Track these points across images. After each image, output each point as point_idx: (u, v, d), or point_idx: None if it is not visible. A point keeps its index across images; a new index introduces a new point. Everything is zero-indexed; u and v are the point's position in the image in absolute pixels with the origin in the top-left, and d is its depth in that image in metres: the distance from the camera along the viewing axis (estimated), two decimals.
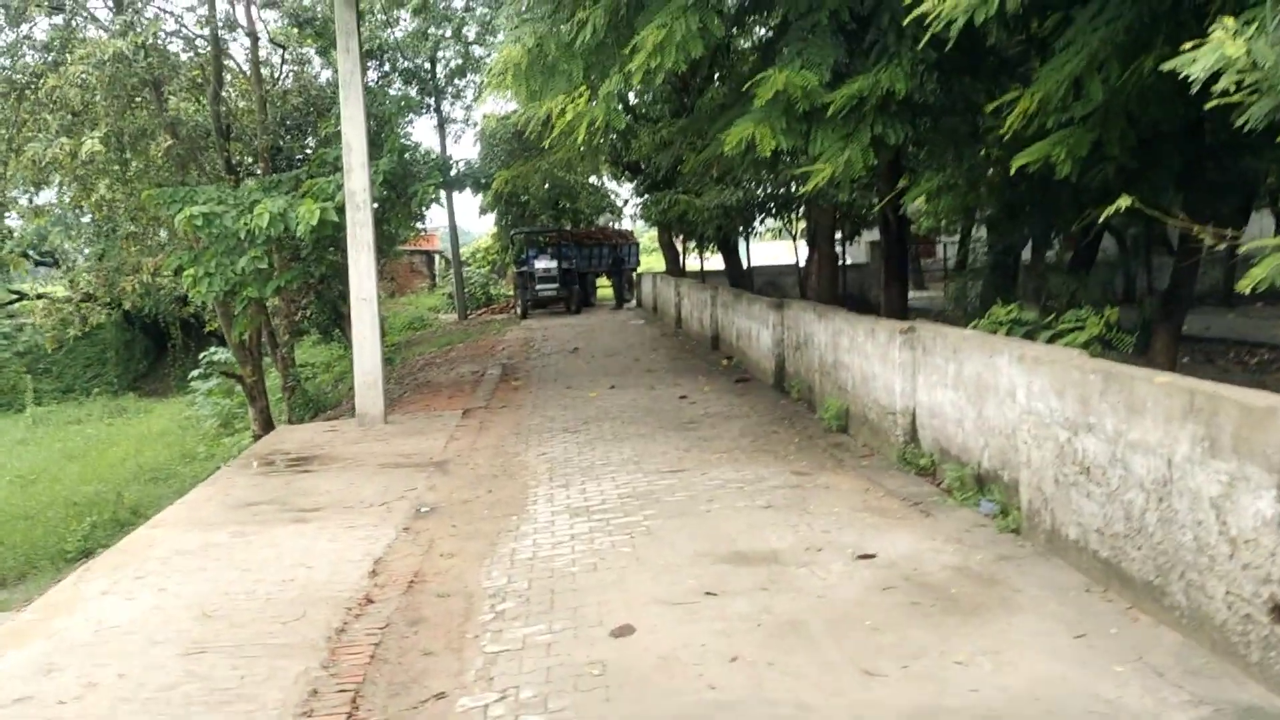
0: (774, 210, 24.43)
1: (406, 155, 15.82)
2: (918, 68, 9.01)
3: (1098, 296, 13.48)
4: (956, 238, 28.28)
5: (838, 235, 24.55)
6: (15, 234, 21.07)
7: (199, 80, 17.14)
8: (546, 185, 33.45)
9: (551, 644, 5.32)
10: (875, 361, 9.55)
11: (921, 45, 8.27)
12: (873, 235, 29.09)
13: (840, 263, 25.44)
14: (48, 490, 21.71)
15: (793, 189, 20.99)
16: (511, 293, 36.74)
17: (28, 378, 33.11)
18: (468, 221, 68.22)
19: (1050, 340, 8.20)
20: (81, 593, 6.38)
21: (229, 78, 17.90)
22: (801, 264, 28.76)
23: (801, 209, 23.96)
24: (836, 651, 5.01)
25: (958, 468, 7.80)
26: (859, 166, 8.77)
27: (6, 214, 17.83)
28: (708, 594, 5.87)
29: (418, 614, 5.91)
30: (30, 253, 29.32)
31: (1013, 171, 7.80)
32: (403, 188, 15.64)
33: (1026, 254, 17.99)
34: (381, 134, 15.78)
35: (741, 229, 25.95)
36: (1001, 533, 6.76)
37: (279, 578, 6.52)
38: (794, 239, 29.45)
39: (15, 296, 31.88)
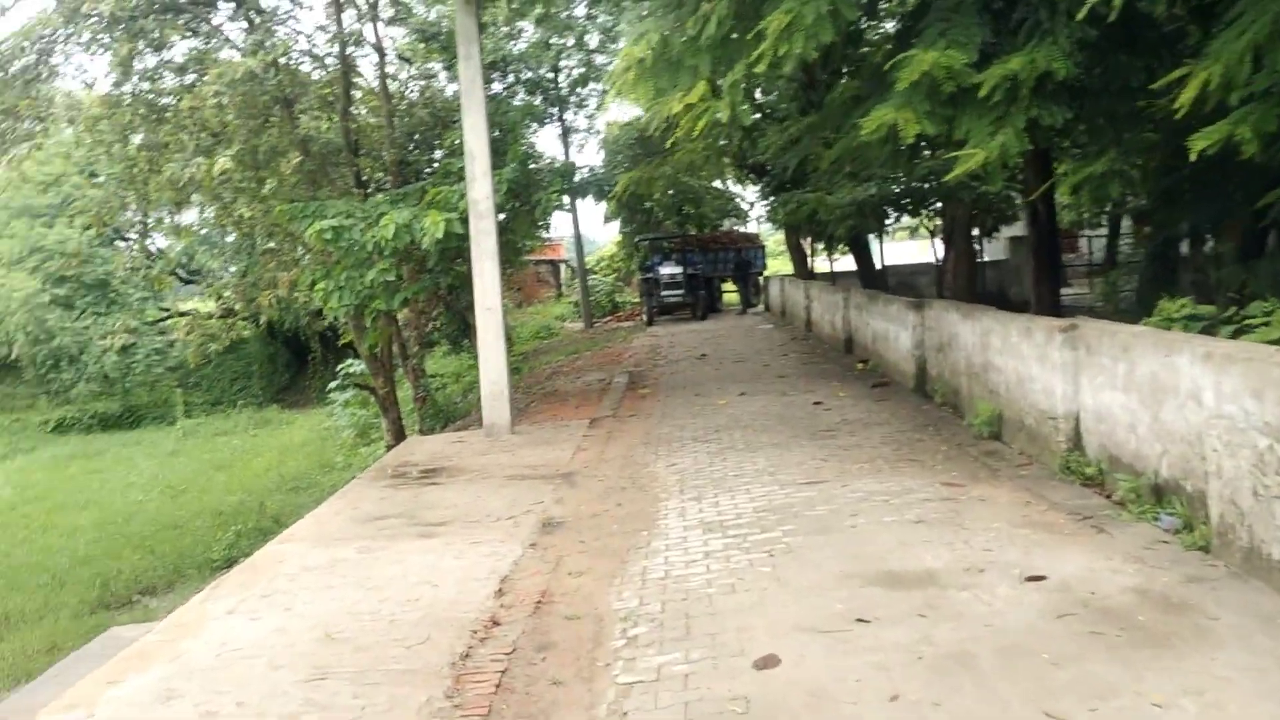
0: (909, 206, 23.50)
1: (530, 163, 15.69)
2: (1073, 45, 8.32)
3: (1270, 287, 12.39)
4: (1100, 231, 26.82)
5: (975, 231, 23.51)
6: (164, 253, 21.96)
7: (329, 98, 17.40)
8: (670, 191, 33.18)
9: (689, 675, 4.90)
10: (1032, 363, 8.84)
11: (1079, 19, 7.64)
12: (1012, 231, 27.79)
13: (977, 260, 24.34)
14: (196, 500, 22.50)
15: (930, 183, 20.08)
16: (637, 300, 36.56)
17: (178, 391, 34.59)
18: (593, 230, 68.63)
19: (1233, 336, 7.41)
20: (208, 612, 6.26)
21: (358, 94, 18.14)
22: (936, 262, 27.69)
23: (938, 204, 22.99)
24: (1011, 690, 4.45)
25: (1131, 478, 7.08)
26: (1014, 152, 8.13)
27: (151, 234, 18.52)
28: (859, 620, 5.35)
29: (545, 638, 5.57)
30: (178, 271, 30.69)
31: (1194, 155, 7.04)
32: (526, 196, 15.51)
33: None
34: (505, 143, 15.70)
35: (877, 228, 25.10)
36: (1187, 550, 6.05)
37: (404, 597, 6.29)
38: (931, 235, 28.39)
39: (166, 314, 33.35)
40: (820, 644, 5.10)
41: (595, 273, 42.34)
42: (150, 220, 17.81)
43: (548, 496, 8.88)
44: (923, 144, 12.34)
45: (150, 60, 14.65)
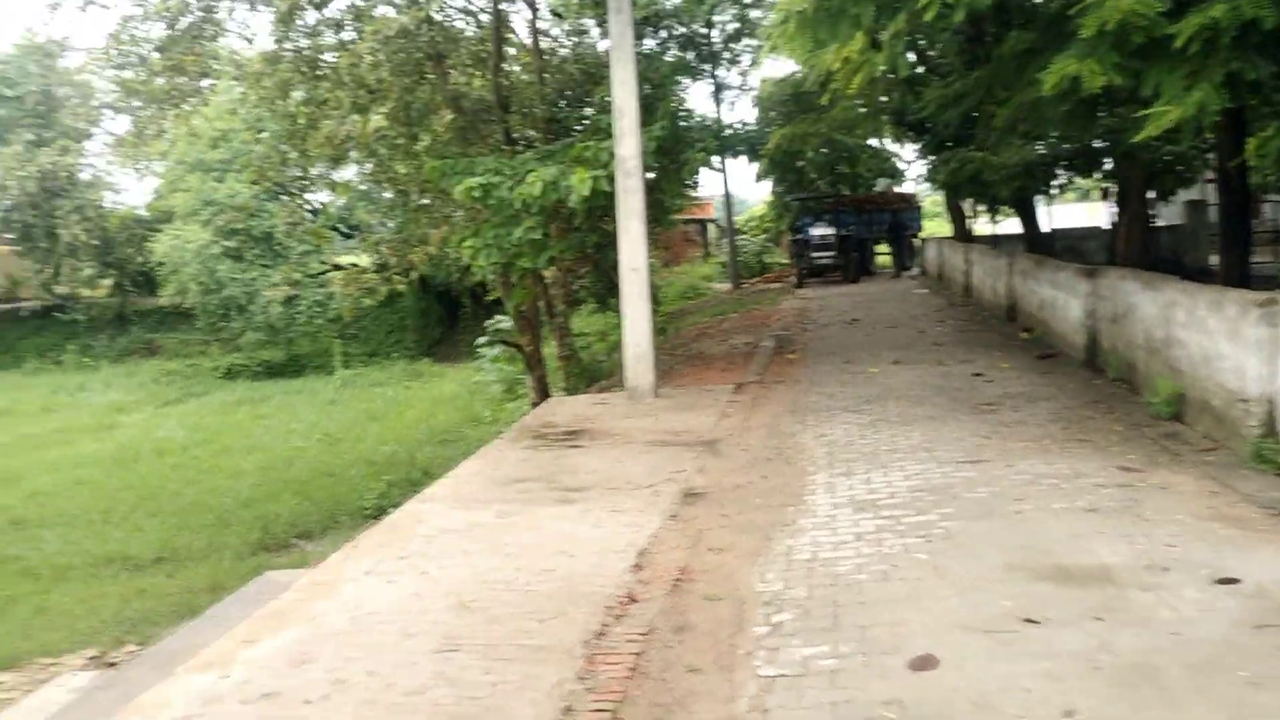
0: (1082, 166, 22.05)
1: (680, 121, 15.30)
2: None
3: None
4: None
5: (1150, 194, 21.92)
6: (325, 208, 22.58)
7: (481, 54, 17.38)
8: (824, 149, 32.25)
9: (837, 672, 4.57)
10: (1221, 339, 8.05)
11: None
12: (1188, 194, 25.83)
13: (1151, 224, 22.70)
14: (351, 449, 23.19)
15: (1106, 142, 18.74)
16: (786, 261, 35.79)
17: (338, 342, 35.79)
18: (743, 189, 67.77)
19: None
20: (346, 571, 6.26)
21: (509, 50, 18.06)
22: (1110, 224, 26.02)
23: (1111, 164, 21.51)
24: (1205, 712, 3.96)
25: None
26: (1213, 109, 7.34)
27: (311, 189, 18.98)
28: (1027, 621, 4.90)
29: (684, 619, 5.32)
30: (338, 226, 31.68)
31: None
32: (675, 154, 15.14)
33: None
34: (655, 99, 15.36)
35: (1044, 189, 23.70)
36: None
37: (539, 566, 6.13)
38: (1104, 196, 26.69)
39: (327, 267, 34.50)
40: (983, 645, 4.68)
41: (744, 233, 41.69)
42: (310, 176, 18.25)
43: (689, 465, 8.62)
44: (1100, 101, 11.40)
45: (310, 17, 14.85)
